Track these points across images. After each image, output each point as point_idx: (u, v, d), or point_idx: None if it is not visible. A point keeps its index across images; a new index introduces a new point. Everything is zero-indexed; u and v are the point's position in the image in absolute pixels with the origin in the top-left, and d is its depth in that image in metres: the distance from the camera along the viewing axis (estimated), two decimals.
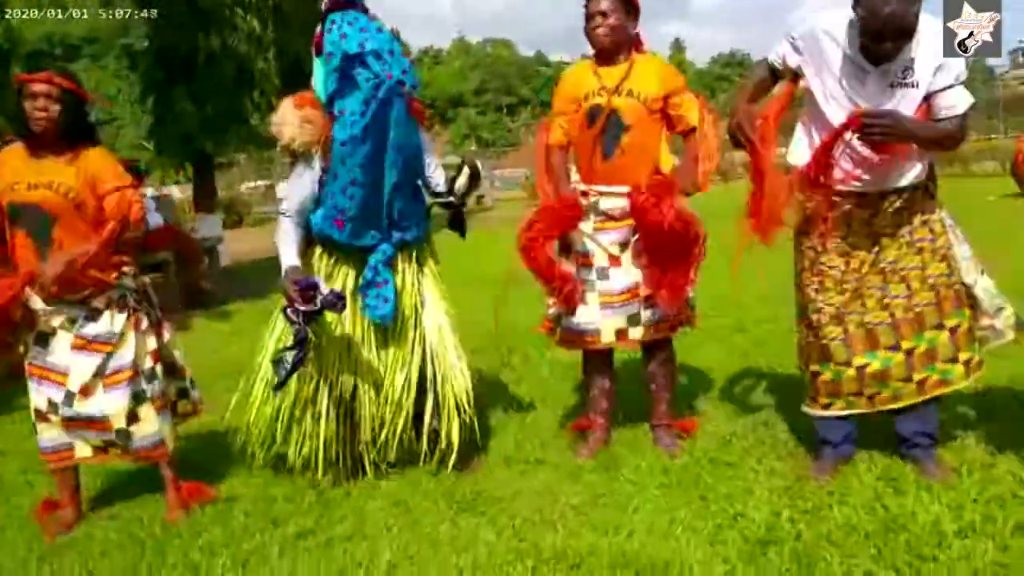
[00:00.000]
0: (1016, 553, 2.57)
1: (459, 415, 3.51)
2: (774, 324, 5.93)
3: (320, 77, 3.29)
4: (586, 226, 3.57)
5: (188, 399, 3.70)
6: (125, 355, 3.34)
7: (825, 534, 2.78)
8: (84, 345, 3.29)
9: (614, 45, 3.48)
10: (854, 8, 2.83)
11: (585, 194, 3.57)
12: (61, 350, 3.30)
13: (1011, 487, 2.99)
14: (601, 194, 3.54)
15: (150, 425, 3.40)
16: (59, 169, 3.23)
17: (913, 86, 2.89)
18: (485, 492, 3.39)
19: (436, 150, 3.82)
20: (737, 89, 3.29)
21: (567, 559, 2.78)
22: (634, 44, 3.59)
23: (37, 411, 3.35)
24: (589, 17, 3.48)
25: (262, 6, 12.44)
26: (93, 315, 3.31)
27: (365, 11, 3.28)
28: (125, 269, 3.38)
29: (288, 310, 3.15)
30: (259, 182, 37.46)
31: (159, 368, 3.47)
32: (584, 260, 3.62)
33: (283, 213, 3.41)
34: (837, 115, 2.95)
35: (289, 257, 3.33)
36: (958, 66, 2.88)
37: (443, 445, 3.53)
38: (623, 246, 3.55)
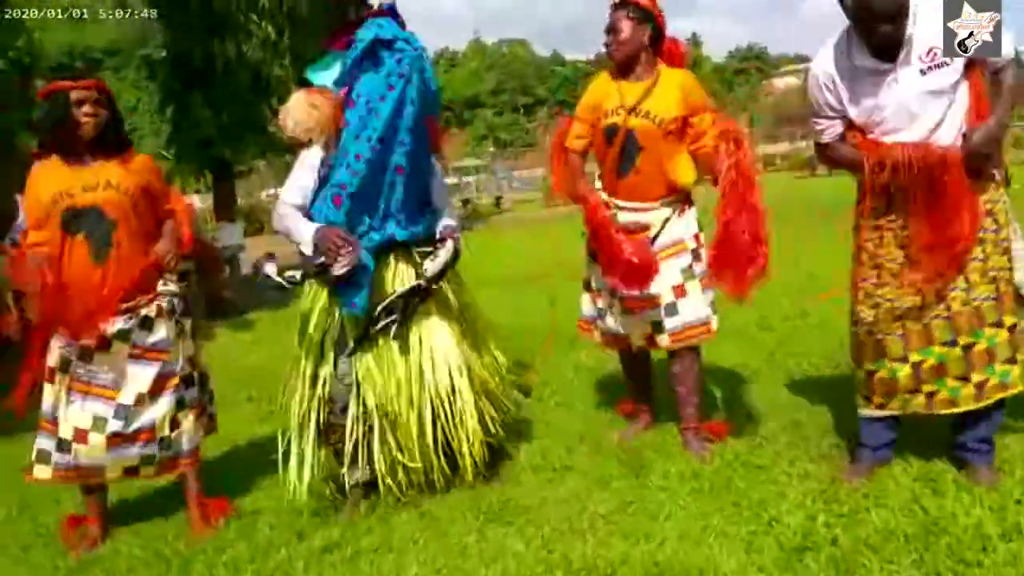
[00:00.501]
0: None
1: (485, 433, 3.43)
2: (801, 320, 5.85)
3: (331, 73, 3.35)
4: None
5: (205, 414, 3.63)
6: (175, 361, 3.37)
7: (863, 539, 2.69)
8: (142, 354, 3.29)
9: (626, 59, 3.51)
10: (842, 5, 2.82)
11: (607, 205, 3.58)
12: (111, 363, 3.27)
13: None
14: (620, 208, 3.57)
15: (188, 432, 3.42)
16: (112, 170, 3.26)
17: (946, 64, 2.80)
18: (512, 501, 3.34)
19: (453, 153, 3.78)
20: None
21: (598, 570, 2.72)
22: (661, 54, 3.58)
23: (77, 430, 3.26)
24: (607, 31, 3.53)
25: (276, 12, 12.46)
26: (147, 324, 3.30)
27: (403, 25, 3.33)
28: (169, 276, 3.40)
29: (338, 267, 3.10)
30: (279, 189, 37.60)
31: (196, 375, 3.49)
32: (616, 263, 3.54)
33: (282, 202, 3.32)
34: (890, 129, 2.90)
35: (308, 225, 3.23)
36: None
37: (464, 464, 3.40)
38: None
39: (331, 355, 3.35)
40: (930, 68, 2.82)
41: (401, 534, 3.16)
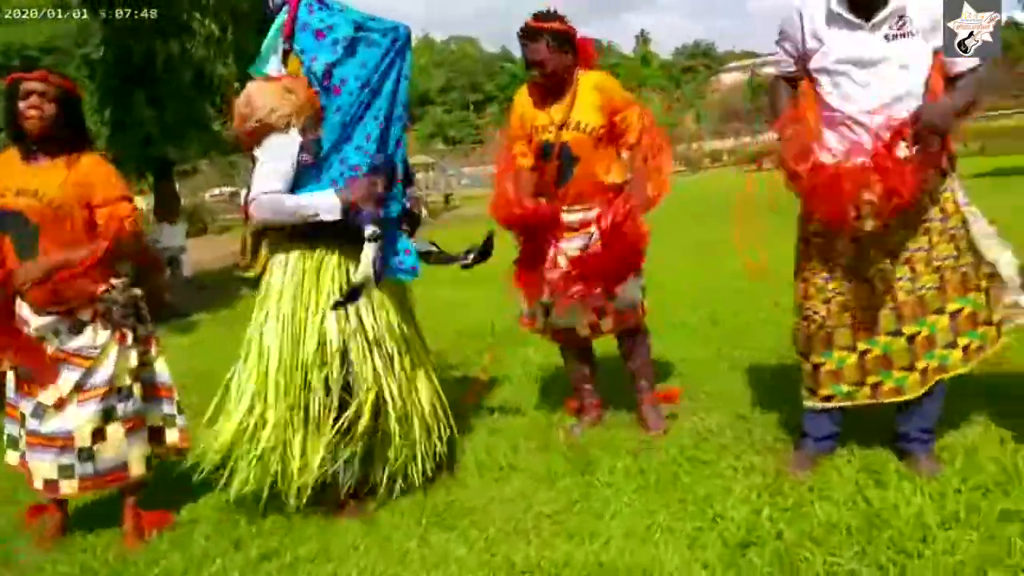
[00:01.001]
0: (1001, 544, 2.49)
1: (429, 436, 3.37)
2: (749, 315, 5.88)
3: (273, 63, 3.26)
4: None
5: (175, 426, 3.47)
6: (103, 371, 3.19)
7: (807, 532, 2.69)
8: (64, 358, 3.16)
9: (557, 84, 3.61)
10: None
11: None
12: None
13: (993, 475, 2.92)
14: (561, 211, 3.71)
15: (114, 447, 3.22)
16: (48, 175, 3.10)
17: (911, 35, 2.81)
18: (456, 503, 3.28)
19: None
20: (769, 116, 3.24)
21: (542, 572, 2.67)
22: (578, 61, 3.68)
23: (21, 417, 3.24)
24: (528, 64, 3.60)
25: (220, 10, 12.23)
26: (77, 327, 3.17)
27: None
28: (114, 282, 3.22)
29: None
30: (224, 188, 37.10)
31: (136, 388, 3.30)
32: (552, 264, 3.73)
33: (258, 196, 3.09)
34: (847, 91, 2.88)
35: (320, 194, 3.11)
36: None
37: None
38: (583, 250, 3.68)
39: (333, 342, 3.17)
40: (895, 36, 2.82)
41: (341, 541, 3.08)
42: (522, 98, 3.76)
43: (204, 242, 21.44)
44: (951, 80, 2.89)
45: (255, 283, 3.40)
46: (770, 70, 3.22)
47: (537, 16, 3.59)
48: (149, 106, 12.23)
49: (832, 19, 2.91)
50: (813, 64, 2.98)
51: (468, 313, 7.11)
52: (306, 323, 3.16)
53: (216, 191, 37.89)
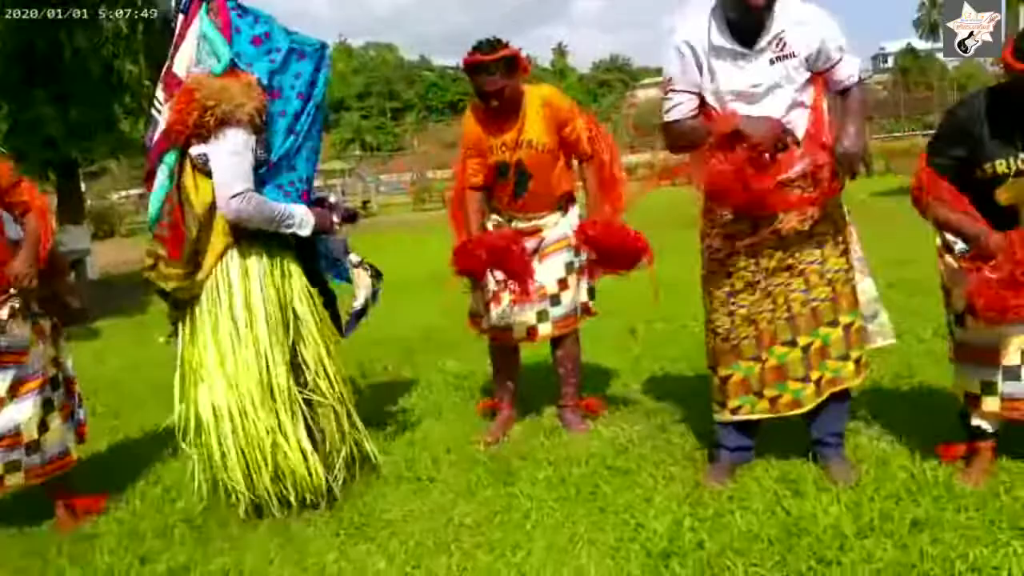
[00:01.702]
0: (914, 552, 2.54)
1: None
2: (665, 324, 5.94)
3: (222, 57, 3.15)
4: None
5: (73, 419, 3.49)
6: (34, 363, 3.24)
7: (728, 543, 2.70)
8: None
9: (511, 106, 3.66)
10: None
11: (499, 213, 3.92)
12: None
13: (905, 482, 2.99)
14: (515, 218, 3.88)
15: (58, 434, 3.31)
16: None
17: (791, 56, 2.90)
18: (375, 515, 3.20)
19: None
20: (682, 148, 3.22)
21: None
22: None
23: None
24: (483, 94, 3.60)
25: (130, 5, 11.83)
26: (0, 327, 3.16)
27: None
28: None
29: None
30: (132, 191, 35.94)
31: (60, 376, 3.39)
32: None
33: (247, 191, 3.06)
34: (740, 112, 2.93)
35: (299, 207, 3.23)
36: (837, 33, 2.93)
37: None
38: (533, 252, 3.79)
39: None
40: (779, 58, 2.90)
41: (255, 554, 2.97)
42: (472, 120, 3.79)
43: (112, 245, 20.70)
44: (838, 95, 3.02)
45: (164, 293, 3.26)
46: (671, 116, 3.10)
47: (483, 48, 3.56)
48: (52, 104, 11.72)
49: (715, 52, 2.95)
50: (706, 94, 3.03)
51: (384, 322, 7.01)
52: (277, 323, 3.19)
53: (124, 193, 36.68)
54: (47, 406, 3.26)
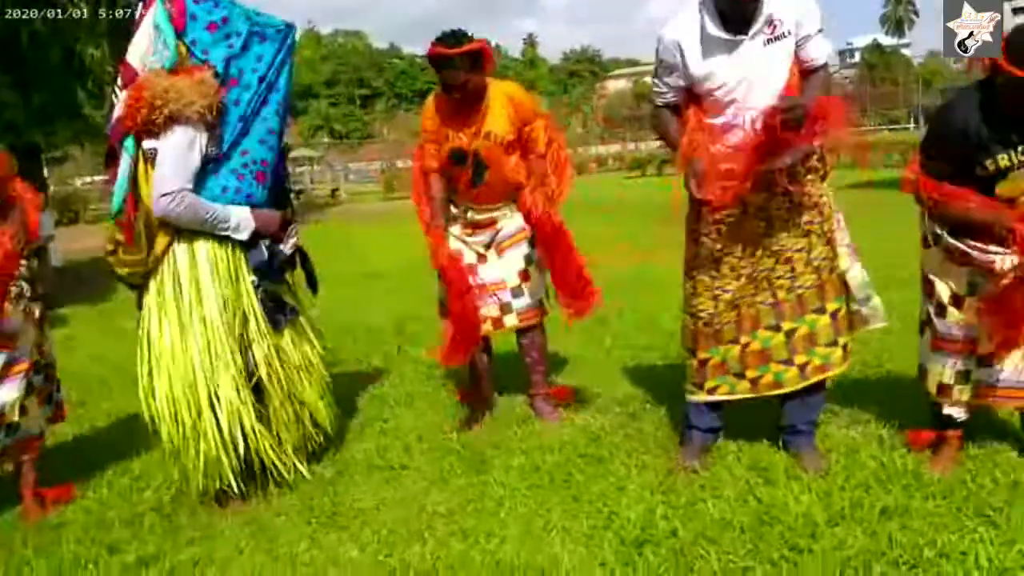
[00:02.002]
0: (883, 539, 2.58)
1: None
2: (634, 314, 5.95)
3: (170, 49, 3.15)
4: (455, 230, 3.89)
5: (51, 402, 3.56)
6: (23, 347, 3.30)
7: (701, 531, 2.71)
8: None
9: (474, 98, 3.66)
10: None
11: (455, 204, 3.92)
12: None
13: (875, 471, 3.03)
14: (472, 210, 3.88)
15: (33, 418, 3.38)
16: None
17: (785, 35, 2.91)
18: (346, 504, 3.18)
19: (287, 141, 3.79)
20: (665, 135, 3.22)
21: (437, 573, 2.62)
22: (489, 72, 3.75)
23: None
24: (447, 86, 3.60)
25: None
26: None
27: None
28: (23, 261, 3.34)
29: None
30: (96, 177, 35.40)
31: (42, 361, 3.46)
32: (460, 256, 3.82)
33: (182, 191, 3.03)
34: (739, 99, 2.95)
35: (237, 209, 3.19)
36: (817, 13, 2.95)
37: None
38: (487, 246, 3.88)
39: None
40: (771, 40, 2.91)
41: (225, 544, 2.94)
42: (432, 106, 3.81)
43: (76, 231, 20.35)
44: (805, 74, 3.02)
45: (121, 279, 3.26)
46: (656, 101, 3.20)
47: (447, 40, 3.53)
48: (12, 89, 11.47)
49: (708, 44, 2.94)
50: (702, 88, 3.01)
51: (354, 311, 6.98)
52: (234, 308, 3.20)
53: (88, 179, 36.13)
54: (29, 389, 3.31)
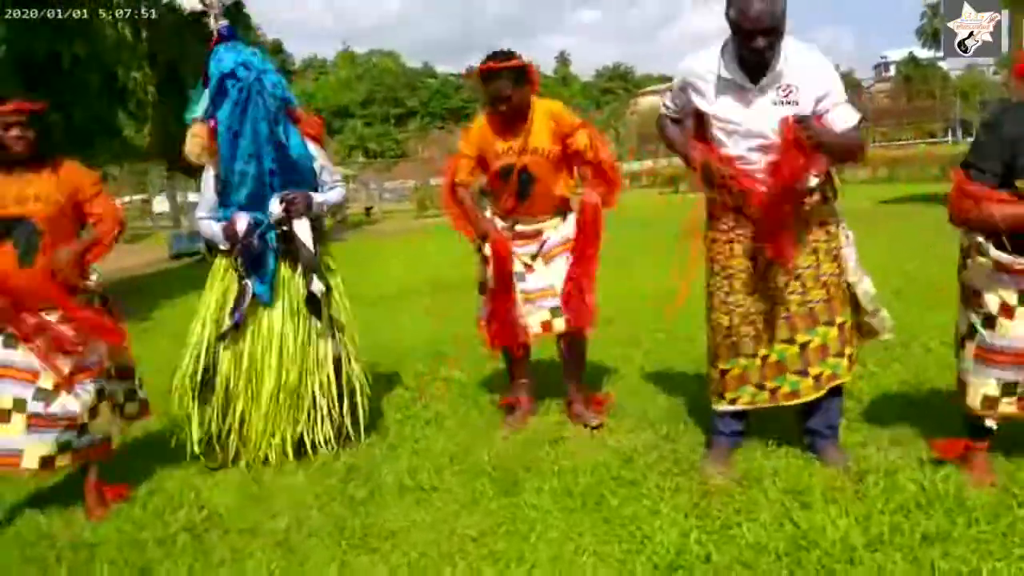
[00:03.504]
0: (925, 566, 2.51)
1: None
2: (668, 334, 5.88)
3: (202, 104, 3.82)
4: None
5: (135, 400, 3.76)
6: (95, 352, 3.47)
7: (736, 556, 2.67)
8: (61, 346, 3.39)
9: (520, 115, 3.91)
10: (727, 14, 2.98)
11: (502, 218, 4.11)
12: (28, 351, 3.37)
13: (915, 495, 2.95)
14: (518, 222, 4.08)
15: (104, 422, 3.54)
16: (42, 181, 3.40)
17: (796, 104, 3.04)
18: (377, 525, 3.16)
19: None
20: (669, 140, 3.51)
21: None
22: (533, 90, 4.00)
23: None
24: (492, 99, 3.87)
25: (136, 16, 11.80)
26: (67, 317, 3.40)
27: (244, 42, 3.89)
28: (94, 267, 3.56)
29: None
30: (135, 196, 36.02)
31: (112, 368, 3.61)
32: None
33: (200, 218, 4.01)
34: (735, 145, 3.16)
35: (219, 225, 3.85)
36: (839, 86, 3.11)
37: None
38: (534, 256, 4.08)
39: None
40: (782, 103, 3.05)
41: (256, 566, 2.93)
42: (482, 126, 4.05)
43: (114, 250, 20.62)
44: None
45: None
46: (662, 111, 3.52)
47: (497, 57, 3.85)
48: (54, 110, 11.71)
49: (722, 86, 3.13)
50: (709, 124, 3.22)
51: (385, 330, 6.99)
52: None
53: (127, 199, 36.76)
54: (100, 394, 3.49)
